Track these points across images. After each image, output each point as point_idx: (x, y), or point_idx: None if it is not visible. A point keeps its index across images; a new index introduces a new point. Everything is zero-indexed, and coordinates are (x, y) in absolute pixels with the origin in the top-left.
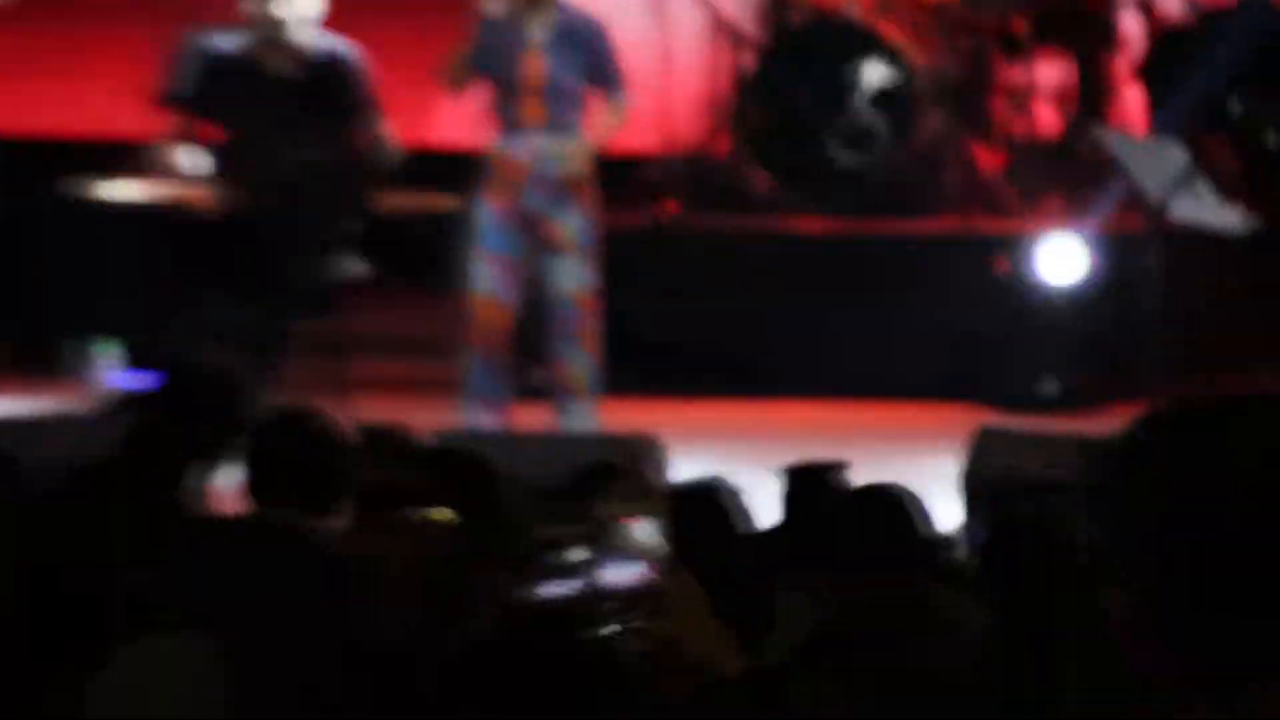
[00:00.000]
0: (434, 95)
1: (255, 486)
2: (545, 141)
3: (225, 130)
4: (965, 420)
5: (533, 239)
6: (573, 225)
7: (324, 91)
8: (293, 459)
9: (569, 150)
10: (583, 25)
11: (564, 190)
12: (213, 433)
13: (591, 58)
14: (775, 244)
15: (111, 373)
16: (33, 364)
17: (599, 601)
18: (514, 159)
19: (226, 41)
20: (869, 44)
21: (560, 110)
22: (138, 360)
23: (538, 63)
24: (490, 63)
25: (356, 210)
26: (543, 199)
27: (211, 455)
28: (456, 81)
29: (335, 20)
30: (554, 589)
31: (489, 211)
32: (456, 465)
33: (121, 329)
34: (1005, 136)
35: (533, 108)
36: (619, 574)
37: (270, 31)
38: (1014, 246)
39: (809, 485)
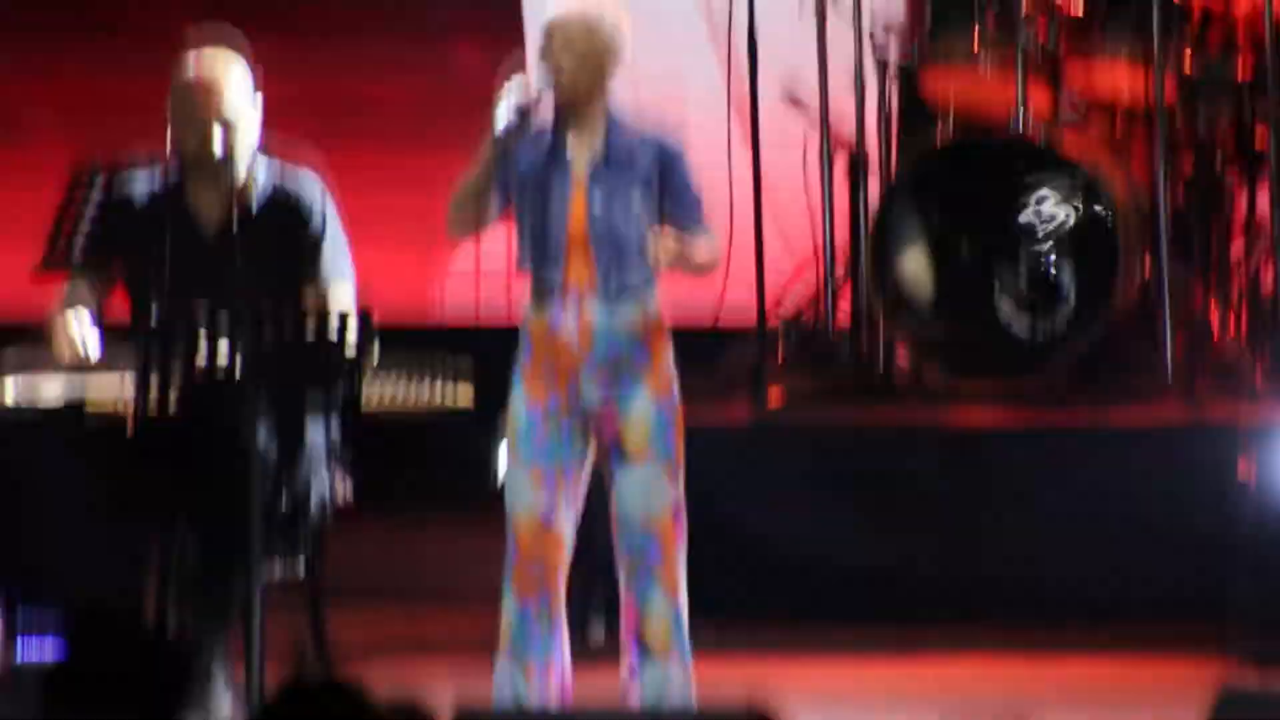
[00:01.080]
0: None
1: None
2: (599, 310)
3: (138, 304)
4: (1196, 677)
5: (589, 442)
6: (643, 423)
7: (275, 246)
8: None
9: (633, 321)
10: (648, 144)
11: (629, 376)
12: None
13: (662, 187)
14: (924, 442)
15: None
16: None
17: None
18: (557, 336)
19: (142, 181)
20: (1049, 165)
21: (618, 266)
22: (40, 622)
23: (582, 200)
24: (518, 199)
25: (332, 409)
26: (600, 389)
27: None
28: (465, 220)
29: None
30: None
31: (527, 407)
32: None
33: (17, 578)
34: (1247, 290)
35: (578, 264)
36: None
37: (203, 166)
38: (1262, 442)
39: None
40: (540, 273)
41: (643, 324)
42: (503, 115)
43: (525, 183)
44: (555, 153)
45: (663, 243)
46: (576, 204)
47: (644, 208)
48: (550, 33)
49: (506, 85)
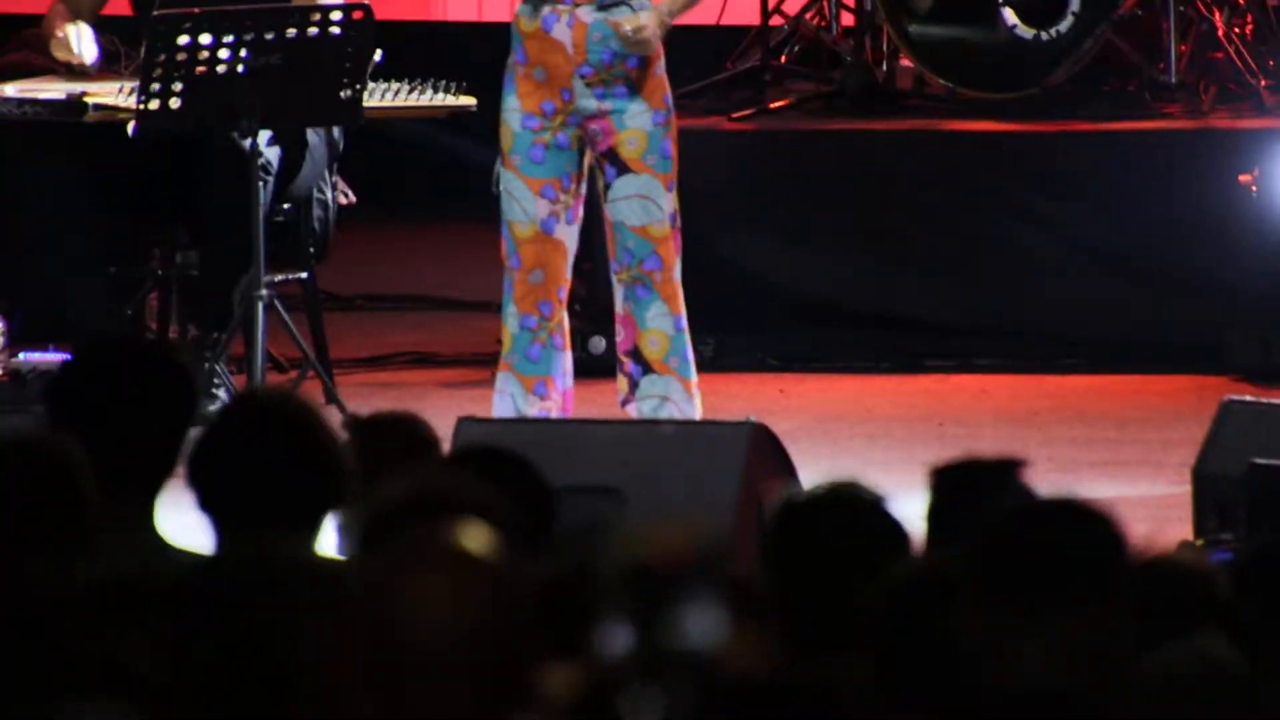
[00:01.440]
0: None
1: (209, 498)
2: (591, 11)
3: (143, 9)
4: (1198, 392)
5: (585, 150)
6: (639, 133)
7: None
8: (264, 457)
9: (629, 23)
10: None
11: (623, 84)
12: (157, 429)
13: None
14: (929, 150)
15: (12, 348)
16: None
17: None
18: (549, 38)
19: None
20: None
21: None
22: (43, 327)
23: None
24: None
25: (339, 114)
26: (595, 98)
27: (160, 455)
28: None
29: None
30: None
31: (522, 115)
32: (491, 469)
33: (20, 283)
34: None
35: None
36: None
37: None
38: (1268, 151)
39: (971, 492)
40: None
41: (638, 25)
42: None
43: None
44: None
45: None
46: None
47: None
48: None
49: None
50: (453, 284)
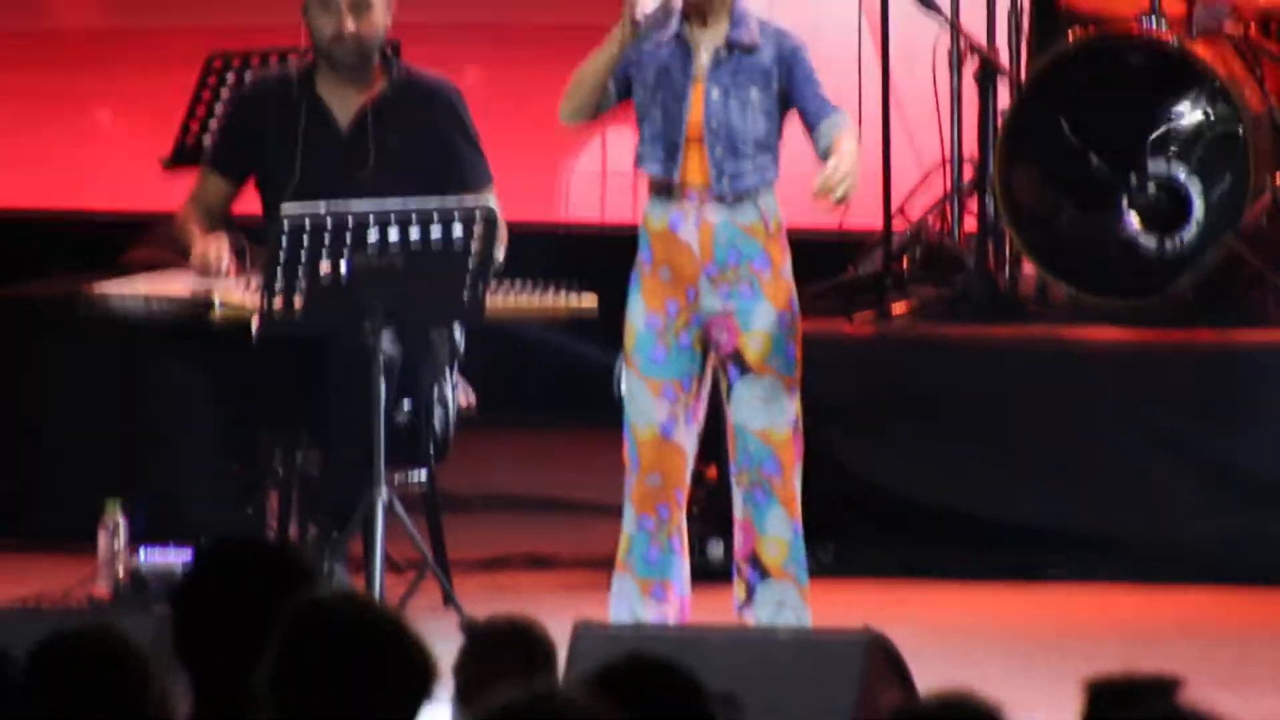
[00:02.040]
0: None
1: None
2: (718, 211)
3: (269, 201)
4: None
5: (708, 352)
6: (763, 335)
7: (409, 145)
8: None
9: (753, 225)
10: (769, 40)
11: (748, 284)
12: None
13: (787, 81)
14: (1050, 358)
15: (133, 546)
16: (25, 529)
17: None
18: (676, 238)
19: (275, 74)
20: (1182, 75)
21: (734, 164)
22: (165, 526)
23: (700, 97)
24: (640, 95)
25: (461, 313)
26: (720, 298)
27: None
28: (578, 105)
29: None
30: None
31: (646, 316)
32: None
33: (143, 481)
34: None
35: (696, 162)
36: None
37: (336, 56)
38: None
39: (1126, 709)
40: (659, 172)
41: (762, 228)
42: (640, 5)
43: (648, 79)
44: (679, 49)
45: (825, 183)
46: (695, 101)
47: (763, 105)
48: None
49: None
50: (572, 487)
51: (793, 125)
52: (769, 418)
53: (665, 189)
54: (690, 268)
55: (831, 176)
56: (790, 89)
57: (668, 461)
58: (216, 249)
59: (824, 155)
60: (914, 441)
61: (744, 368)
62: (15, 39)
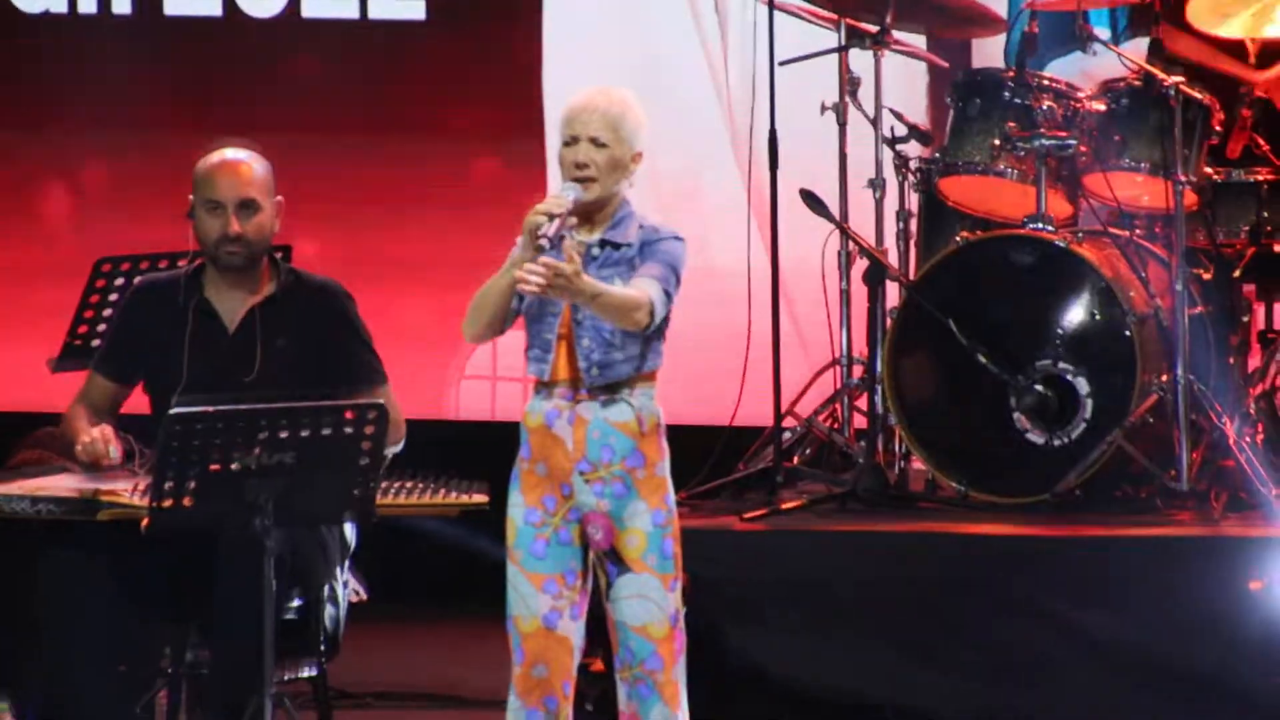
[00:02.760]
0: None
1: None
2: (591, 408)
3: (157, 400)
4: None
5: (587, 547)
6: (639, 533)
7: (297, 344)
8: None
9: (627, 422)
10: (643, 232)
11: (623, 481)
12: None
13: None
14: (941, 552)
15: None
16: None
17: None
18: (552, 434)
19: (162, 277)
20: (1069, 275)
21: (603, 359)
22: None
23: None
24: (526, 298)
25: (352, 510)
26: (594, 495)
27: None
28: (480, 324)
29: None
30: None
31: (525, 510)
32: None
33: (30, 677)
34: (1264, 404)
35: (568, 359)
36: None
37: (228, 260)
38: (1279, 559)
39: None
40: (534, 370)
41: (637, 424)
42: (542, 231)
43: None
44: (558, 253)
45: (535, 270)
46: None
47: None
48: (572, 127)
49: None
50: (465, 682)
51: (679, 321)
52: (647, 614)
53: (543, 386)
54: (564, 463)
55: (552, 263)
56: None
57: (552, 653)
58: (101, 436)
59: None
60: (802, 630)
61: (621, 565)
62: None
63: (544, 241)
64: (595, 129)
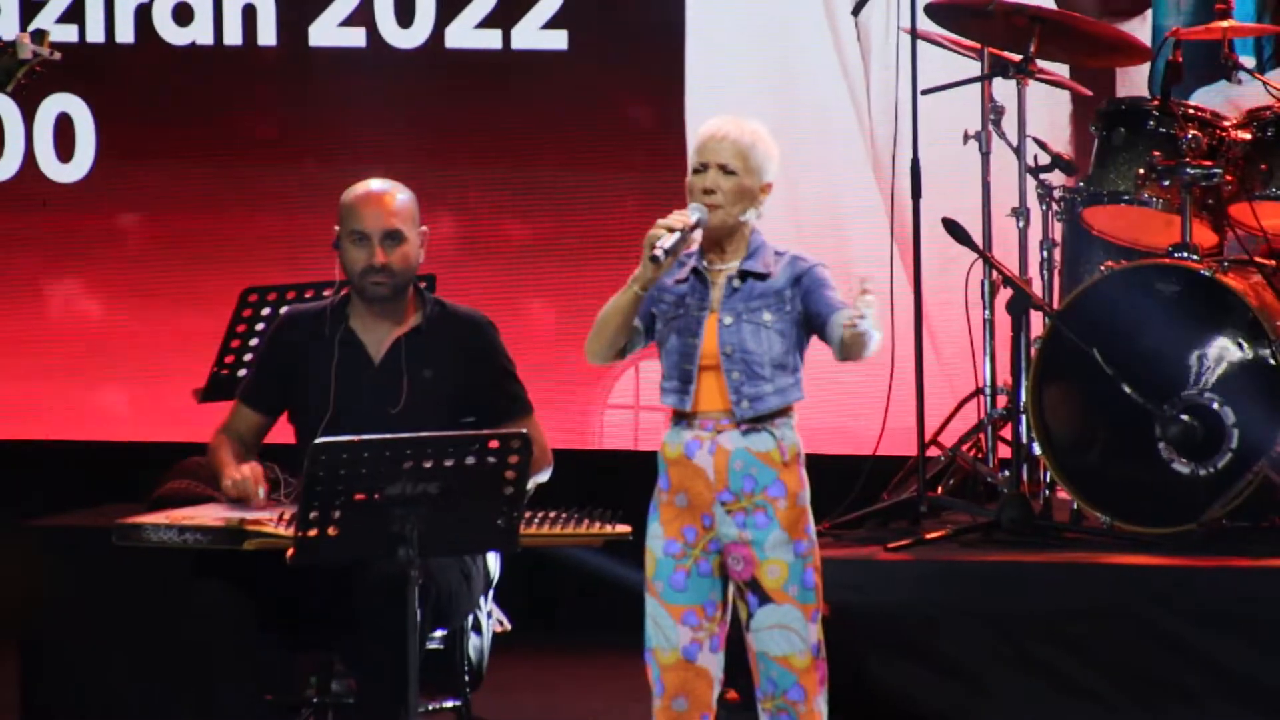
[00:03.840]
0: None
1: None
2: (733, 438)
3: (303, 432)
4: None
5: (727, 578)
6: (780, 564)
7: (442, 376)
8: None
9: (768, 452)
10: (784, 265)
11: (764, 512)
12: None
13: (804, 299)
14: (1086, 584)
15: None
16: None
17: None
18: (691, 464)
19: (309, 309)
20: (1215, 305)
21: (751, 390)
22: None
23: (715, 325)
24: (660, 326)
25: (495, 541)
26: (735, 525)
27: None
28: (603, 346)
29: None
30: None
31: (664, 543)
32: None
33: (180, 709)
34: None
35: (712, 390)
36: None
37: (374, 292)
38: None
39: None
40: (674, 402)
41: (778, 454)
42: (660, 243)
43: (666, 313)
44: (696, 282)
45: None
46: (709, 330)
47: (777, 326)
48: (703, 154)
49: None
50: (606, 714)
51: (821, 350)
52: (789, 645)
53: (682, 417)
54: (705, 494)
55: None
56: (805, 301)
57: (692, 686)
58: (251, 474)
59: (838, 346)
60: (946, 662)
61: (763, 596)
62: None
63: (659, 253)
64: (725, 156)
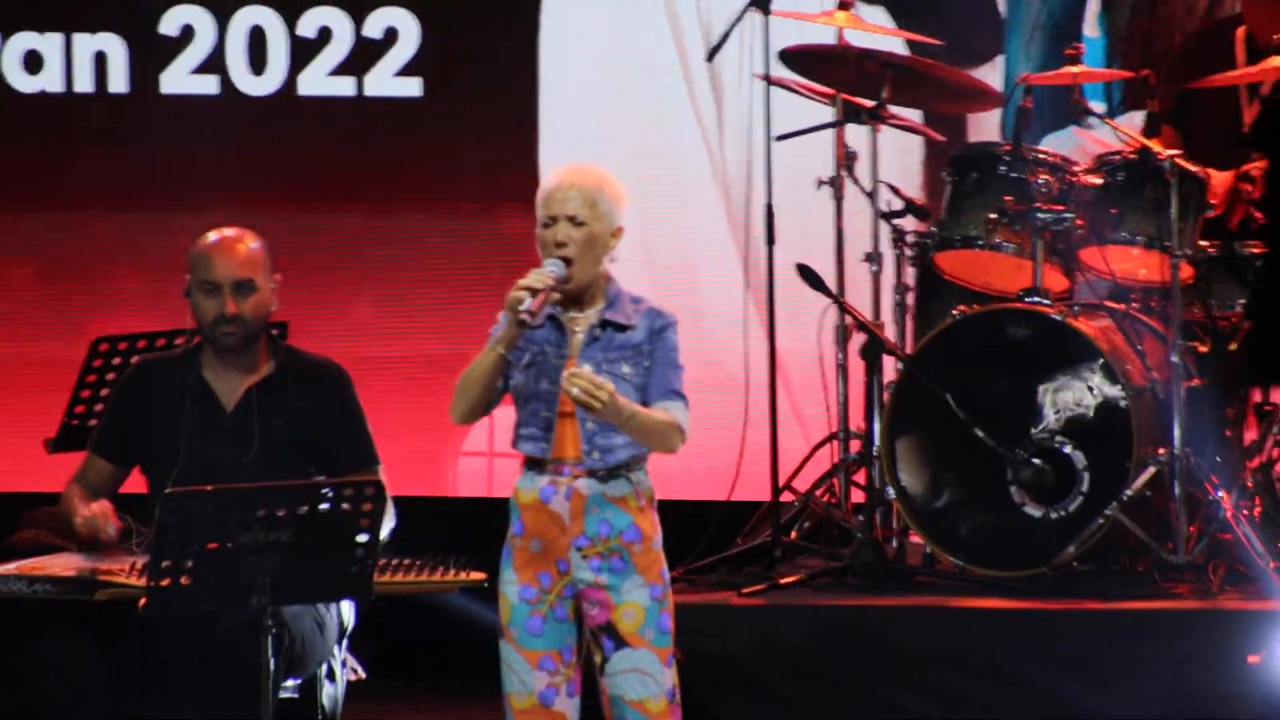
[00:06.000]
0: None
1: None
2: (589, 484)
3: (155, 482)
4: None
5: (583, 620)
6: (635, 608)
7: (294, 426)
8: None
9: (624, 498)
10: (642, 315)
11: (620, 555)
12: None
13: (650, 354)
14: (938, 627)
15: None
16: None
17: None
18: (547, 510)
19: (160, 360)
20: (1066, 349)
21: (605, 439)
22: None
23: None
24: (516, 377)
25: (350, 589)
26: (591, 570)
27: None
28: (468, 404)
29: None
30: None
31: (519, 588)
32: None
33: None
34: (1261, 477)
35: (568, 438)
36: None
37: (225, 341)
38: (1276, 632)
39: None
40: (533, 450)
41: (634, 499)
42: (522, 307)
43: (522, 361)
44: (555, 331)
45: (580, 378)
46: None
47: (634, 379)
48: (550, 207)
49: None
50: None
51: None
52: (645, 689)
53: (536, 463)
54: (561, 539)
55: (589, 378)
56: (653, 364)
57: None
58: (100, 511)
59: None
60: (800, 706)
61: (618, 640)
62: None
63: (526, 317)
64: (573, 208)
